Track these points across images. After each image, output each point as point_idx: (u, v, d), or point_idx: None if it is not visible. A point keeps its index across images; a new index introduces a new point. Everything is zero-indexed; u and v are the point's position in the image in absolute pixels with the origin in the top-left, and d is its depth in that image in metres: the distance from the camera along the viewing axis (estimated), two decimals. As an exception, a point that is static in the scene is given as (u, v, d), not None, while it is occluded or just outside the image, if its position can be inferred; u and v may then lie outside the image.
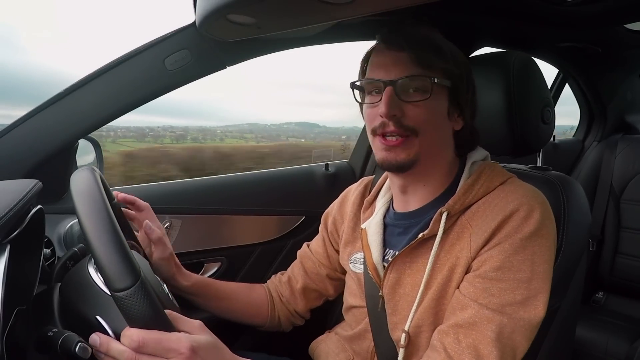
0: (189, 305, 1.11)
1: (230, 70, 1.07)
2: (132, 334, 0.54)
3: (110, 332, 0.59)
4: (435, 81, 0.73)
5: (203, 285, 0.98)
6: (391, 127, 0.74)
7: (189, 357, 0.55)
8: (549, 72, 2.11)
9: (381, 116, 0.74)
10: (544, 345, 0.84)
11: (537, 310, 0.68)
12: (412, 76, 0.73)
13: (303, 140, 1.73)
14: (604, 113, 2.09)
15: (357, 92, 0.82)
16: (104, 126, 0.99)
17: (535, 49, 1.63)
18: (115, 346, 0.56)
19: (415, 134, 0.75)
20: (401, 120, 0.74)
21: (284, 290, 1.04)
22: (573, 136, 2.32)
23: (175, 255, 0.95)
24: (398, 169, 0.77)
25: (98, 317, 0.60)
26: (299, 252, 1.08)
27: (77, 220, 0.64)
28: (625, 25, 1.46)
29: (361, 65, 0.84)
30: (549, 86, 2.18)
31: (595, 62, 1.80)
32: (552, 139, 1.71)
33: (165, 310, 0.59)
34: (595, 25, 1.39)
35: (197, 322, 0.62)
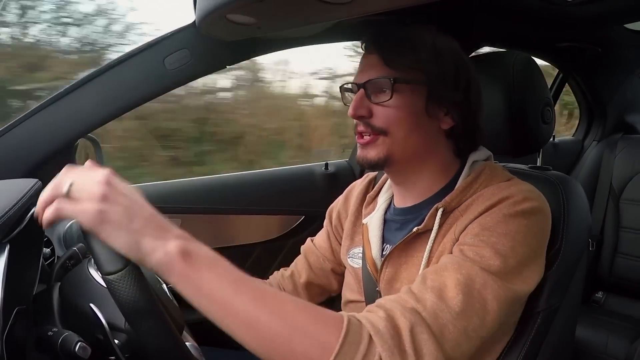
0: (189, 306, 1.11)
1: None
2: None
3: (103, 319, 0.60)
4: (395, 81, 0.73)
5: None
6: (361, 127, 0.77)
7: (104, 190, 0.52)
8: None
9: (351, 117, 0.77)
10: (544, 345, 0.84)
11: (511, 285, 0.65)
12: (374, 79, 0.74)
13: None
14: (603, 113, 2.09)
15: (348, 94, 0.84)
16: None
17: (535, 49, 1.63)
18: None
19: (385, 134, 0.75)
20: (369, 121, 0.76)
21: (286, 284, 1.03)
22: (573, 135, 2.32)
23: None
24: (371, 166, 0.78)
25: (91, 305, 0.61)
26: (303, 247, 1.07)
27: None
28: (625, 25, 1.46)
29: None
30: (549, 86, 2.18)
31: (595, 62, 1.80)
32: (551, 138, 1.71)
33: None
34: (595, 25, 1.39)
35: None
